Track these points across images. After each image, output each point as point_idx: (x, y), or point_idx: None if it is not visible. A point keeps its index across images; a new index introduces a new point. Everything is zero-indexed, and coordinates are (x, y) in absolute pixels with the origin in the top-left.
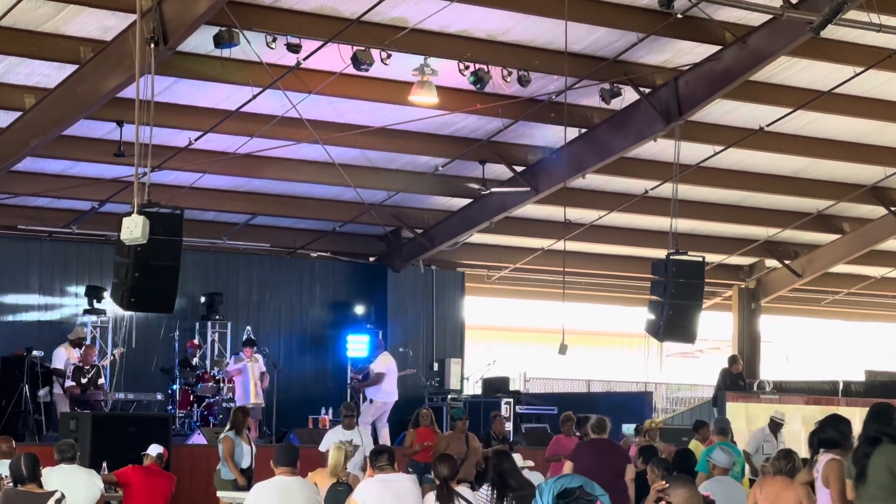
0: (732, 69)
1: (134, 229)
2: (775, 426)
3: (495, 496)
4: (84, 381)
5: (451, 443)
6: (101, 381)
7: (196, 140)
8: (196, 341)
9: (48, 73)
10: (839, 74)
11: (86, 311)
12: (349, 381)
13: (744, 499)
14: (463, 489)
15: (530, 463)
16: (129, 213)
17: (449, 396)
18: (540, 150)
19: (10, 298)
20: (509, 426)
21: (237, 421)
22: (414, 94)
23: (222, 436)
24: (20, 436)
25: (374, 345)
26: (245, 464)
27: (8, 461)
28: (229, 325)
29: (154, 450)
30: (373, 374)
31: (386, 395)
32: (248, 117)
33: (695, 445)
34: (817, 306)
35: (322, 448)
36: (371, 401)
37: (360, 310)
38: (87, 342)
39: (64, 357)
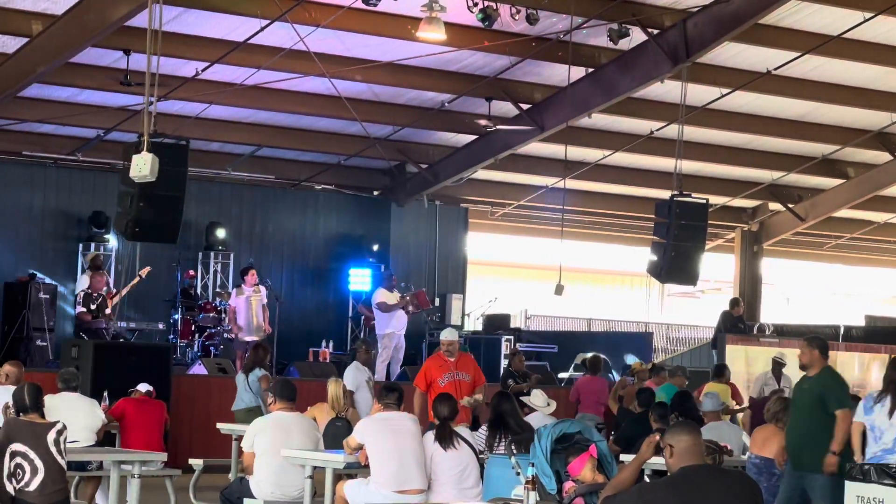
0: (741, 12)
1: (143, 167)
2: (777, 367)
3: (491, 437)
4: (93, 307)
5: None
6: (108, 310)
7: (203, 70)
8: (192, 272)
9: (56, 0)
10: (848, 19)
11: (89, 239)
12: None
13: (741, 442)
14: (462, 429)
15: (552, 406)
16: (135, 144)
17: None
18: (546, 88)
19: (15, 224)
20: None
21: (258, 358)
22: (422, 29)
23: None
24: (22, 362)
25: (377, 279)
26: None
27: (13, 388)
28: (232, 255)
29: (143, 387)
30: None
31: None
32: (255, 49)
33: (716, 387)
34: (819, 250)
35: (349, 386)
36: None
37: (362, 243)
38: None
39: (85, 282)
